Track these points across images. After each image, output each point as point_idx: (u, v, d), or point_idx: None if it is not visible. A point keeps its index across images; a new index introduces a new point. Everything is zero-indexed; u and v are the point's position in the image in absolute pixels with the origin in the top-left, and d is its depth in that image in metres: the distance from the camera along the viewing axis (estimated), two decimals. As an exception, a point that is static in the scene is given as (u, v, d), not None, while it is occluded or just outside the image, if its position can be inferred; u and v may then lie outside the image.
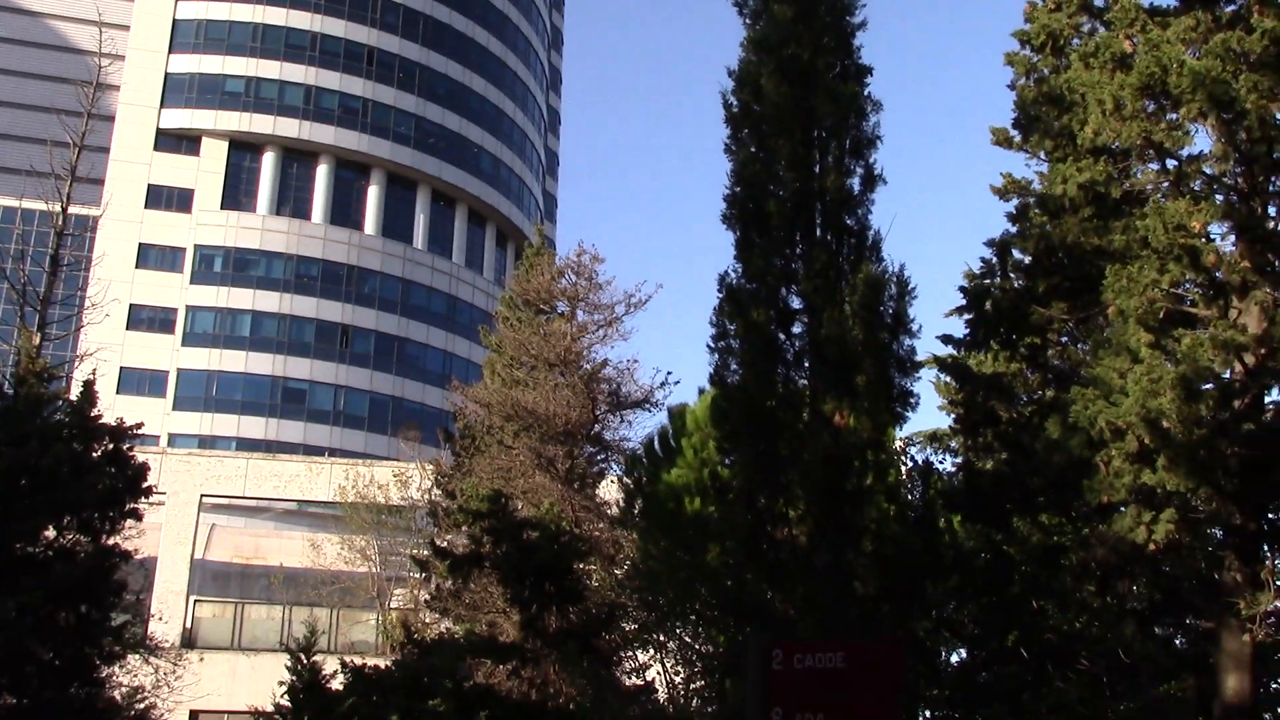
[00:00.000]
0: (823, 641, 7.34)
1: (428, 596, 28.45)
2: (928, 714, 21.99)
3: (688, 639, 22.20)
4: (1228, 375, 13.21)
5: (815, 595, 12.58)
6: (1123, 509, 13.32)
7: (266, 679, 29.51)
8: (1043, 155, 16.12)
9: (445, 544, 26.58)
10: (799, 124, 14.96)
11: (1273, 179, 13.68)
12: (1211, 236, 13.52)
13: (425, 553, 28.01)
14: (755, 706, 6.50)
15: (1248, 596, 13.27)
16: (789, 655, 6.61)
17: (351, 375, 69.13)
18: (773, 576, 13.05)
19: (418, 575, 30.59)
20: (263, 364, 67.38)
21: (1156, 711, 18.43)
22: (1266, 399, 13.58)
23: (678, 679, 23.39)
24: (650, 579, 22.15)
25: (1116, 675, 19.20)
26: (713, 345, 13.79)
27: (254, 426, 65.81)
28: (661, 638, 23.53)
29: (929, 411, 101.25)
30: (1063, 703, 18.74)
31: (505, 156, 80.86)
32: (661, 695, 24.33)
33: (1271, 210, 13.73)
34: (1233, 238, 13.52)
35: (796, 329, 13.76)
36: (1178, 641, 19.21)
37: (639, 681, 26.06)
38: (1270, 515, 13.84)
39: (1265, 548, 13.71)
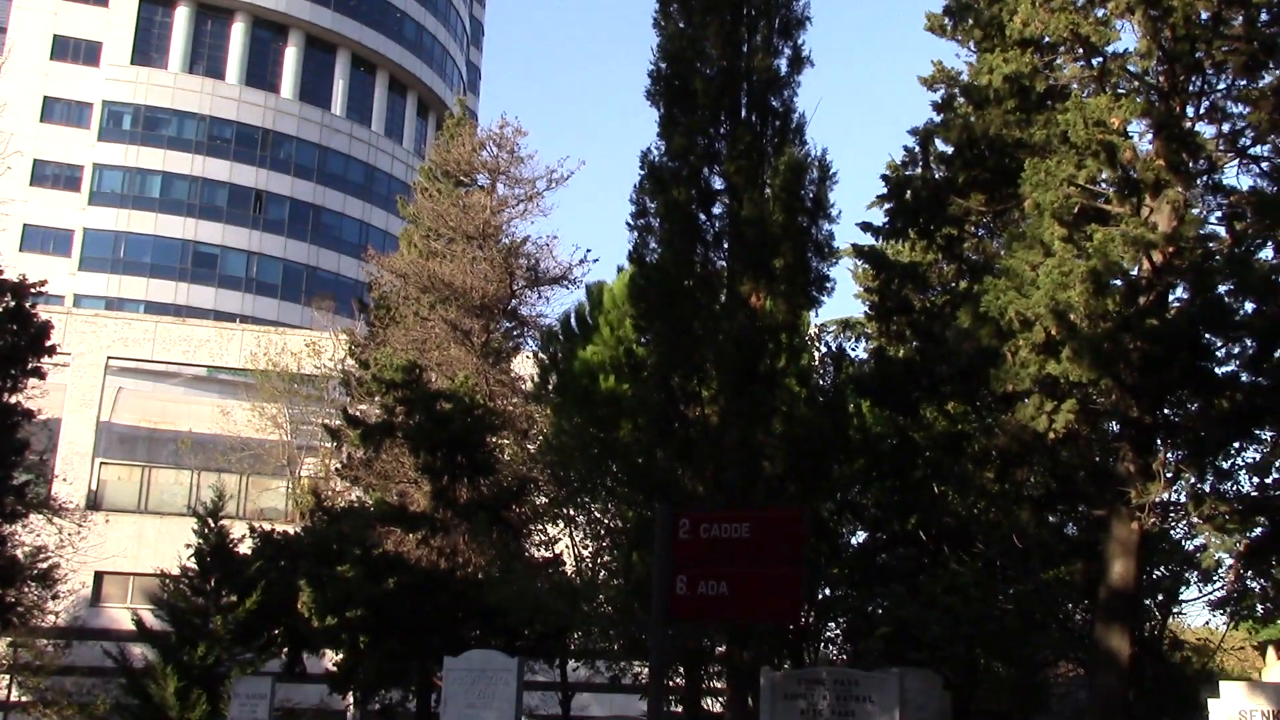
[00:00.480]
0: (729, 511, 7.44)
1: (339, 465, 28.33)
2: (827, 591, 22.65)
3: (597, 514, 22.42)
4: (1136, 272, 13.43)
5: (724, 473, 12.72)
6: (1026, 399, 13.59)
7: (173, 543, 29.38)
8: (972, 45, 15.98)
9: (358, 413, 26.40)
10: (728, 1, 14.73)
11: (1193, 79, 13.76)
12: (1130, 134, 13.61)
13: (337, 422, 27.83)
14: (661, 574, 6.56)
15: (1139, 486, 13.71)
16: (696, 525, 6.67)
17: (265, 242, 67.62)
18: (683, 454, 13.16)
19: (329, 444, 30.45)
20: (173, 226, 65.54)
21: (1046, 594, 19.17)
22: (1171, 297, 13.86)
23: (586, 552, 23.72)
24: (562, 454, 22.22)
25: (1010, 559, 19.88)
26: (632, 223, 13.67)
27: (163, 290, 64.31)
28: (571, 512, 23.76)
29: (845, 300, 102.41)
30: (957, 584, 19.39)
31: (429, 24, 78.50)
32: (570, 568, 24.68)
33: (1190, 110, 13.84)
34: (1150, 136, 13.62)
35: (717, 209, 13.67)
36: (1070, 528, 19.90)
37: (548, 554, 26.42)
38: (1165, 410, 14.23)
39: (1158, 441, 14.12)
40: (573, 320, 27.76)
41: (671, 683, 23.10)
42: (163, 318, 45.46)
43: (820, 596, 22.46)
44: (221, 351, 42.34)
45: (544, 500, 25.55)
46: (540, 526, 26.32)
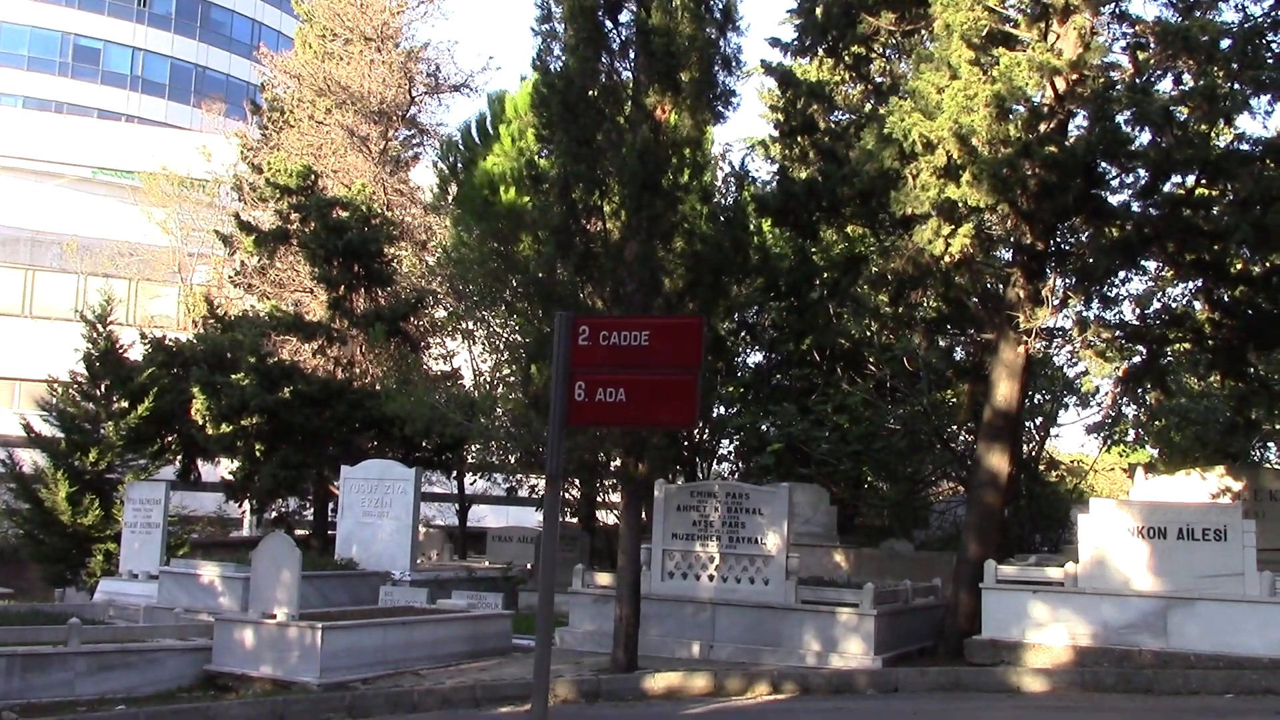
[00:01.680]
0: (629, 319, 7.45)
1: (231, 273, 27.75)
2: (722, 410, 23.31)
3: (496, 328, 22.47)
4: (1039, 99, 13.49)
5: (624, 288, 12.70)
6: (924, 223, 13.74)
7: (61, 348, 28.71)
8: None
9: (251, 219, 25.71)
10: None
11: (1110, -99, 13.59)
12: (1044, -44, 13.45)
13: (229, 228, 27.11)
14: (559, 381, 6.59)
15: (1027, 311, 14.09)
16: (595, 332, 6.69)
17: (151, 37, 64.19)
18: (584, 268, 13.07)
19: (221, 252, 29.69)
20: (51, 16, 61.74)
21: (933, 415, 19.92)
22: (1071, 125, 13.98)
23: (485, 366, 23.89)
24: (461, 267, 22.10)
25: (900, 380, 20.56)
26: (537, 28, 13.19)
27: (43, 85, 61.00)
28: (470, 326, 23.78)
29: (751, 121, 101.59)
30: (847, 404, 20.07)
31: None
32: (468, 381, 24.87)
33: (1104, -66, 13.70)
34: (1064, -41, 13.48)
35: (625, 17, 13.23)
36: (959, 352, 20.61)
37: (446, 368, 26.58)
38: (1057, 237, 14.53)
39: (1049, 268, 14.46)
40: (474, 129, 27.16)
41: (567, 494, 23.72)
42: (44, 113, 43.28)
43: (715, 415, 23.13)
44: (107, 152, 40.60)
45: (443, 314, 25.49)
46: (439, 340, 26.32)
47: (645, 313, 12.63)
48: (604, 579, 15.26)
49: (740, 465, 23.50)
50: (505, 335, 22.14)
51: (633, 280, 12.57)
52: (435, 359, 26.45)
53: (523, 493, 24.54)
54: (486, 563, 23.36)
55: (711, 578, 14.49)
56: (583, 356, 6.82)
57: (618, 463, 13.70)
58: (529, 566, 21.68)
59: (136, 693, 12.47)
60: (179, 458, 24.62)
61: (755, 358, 24.24)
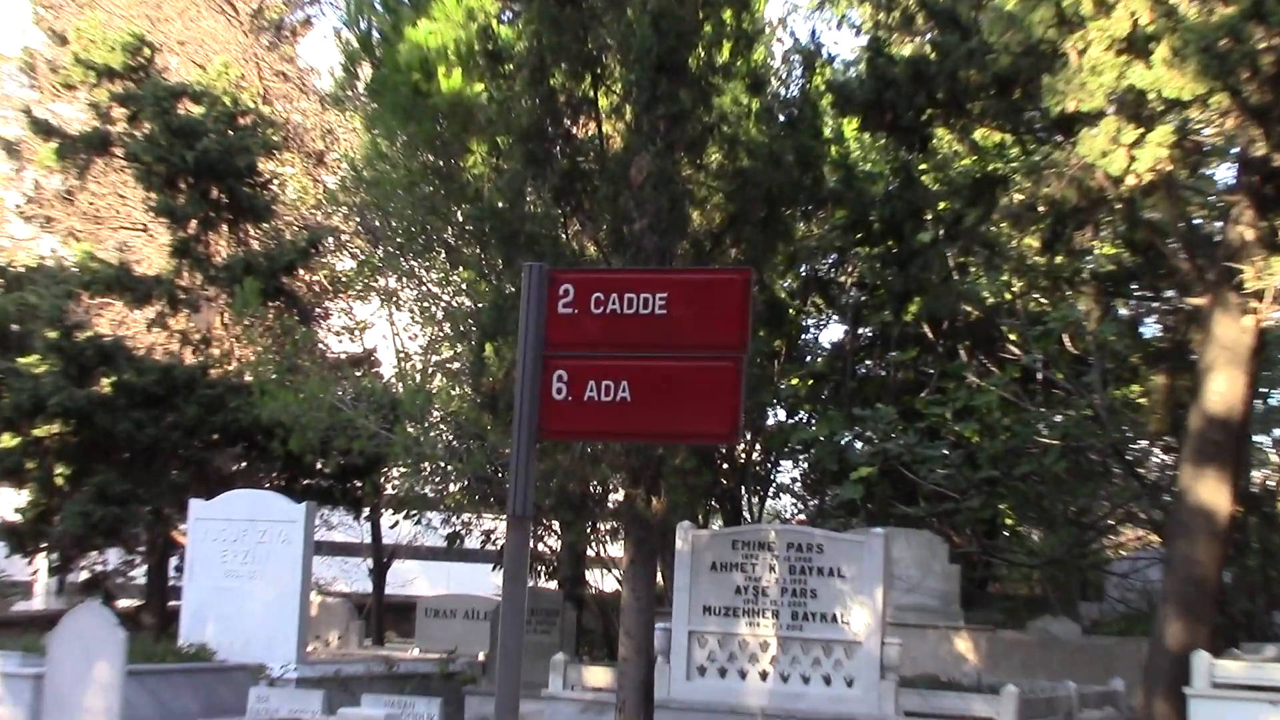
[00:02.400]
0: (637, 273, 7.55)
1: (22, 201, 27.79)
2: (781, 414, 23.43)
3: (432, 286, 22.51)
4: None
5: (630, 225, 12.78)
6: (1095, 126, 13.74)
7: None
8: None
9: (50, 117, 25.75)
10: None
11: None
12: None
13: (17, 130, 27.15)
14: (529, 370, 6.68)
15: (1258, 263, 13.99)
16: (584, 293, 6.76)
17: None
18: (567, 193, 13.16)
19: (3, 167, 29.68)
20: None
21: (1109, 421, 19.94)
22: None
23: (415, 345, 23.97)
24: (379, 192, 22.06)
25: (1060, 370, 20.61)
26: None
27: None
28: (394, 283, 23.84)
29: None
30: (975, 406, 20.16)
31: None
32: (388, 369, 24.94)
33: None
34: None
35: None
36: (1149, 325, 20.65)
37: (355, 347, 26.68)
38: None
39: (1291, 195, 14.44)
40: (398, -20, 27.16)
41: (542, 545, 23.81)
42: None
43: (771, 420, 23.21)
44: None
45: (349, 264, 25.57)
46: (343, 305, 26.42)
47: (663, 263, 12.71)
48: (598, 676, 15.34)
49: (810, 501, 23.61)
50: (446, 298, 22.19)
51: (643, 213, 12.65)
52: (338, 334, 26.55)
53: (472, 543, 24.54)
54: (415, 650, 23.40)
55: (765, 675, 14.58)
56: (565, 331, 6.90)
57: (619, 496, 13.81)
58: (481, 657, 21.76)
59: None
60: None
61: (833, 333, 24.34)
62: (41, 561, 26.16)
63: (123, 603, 26.17)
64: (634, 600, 13.32)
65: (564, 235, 13.43)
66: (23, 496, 23.84)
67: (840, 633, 14.42)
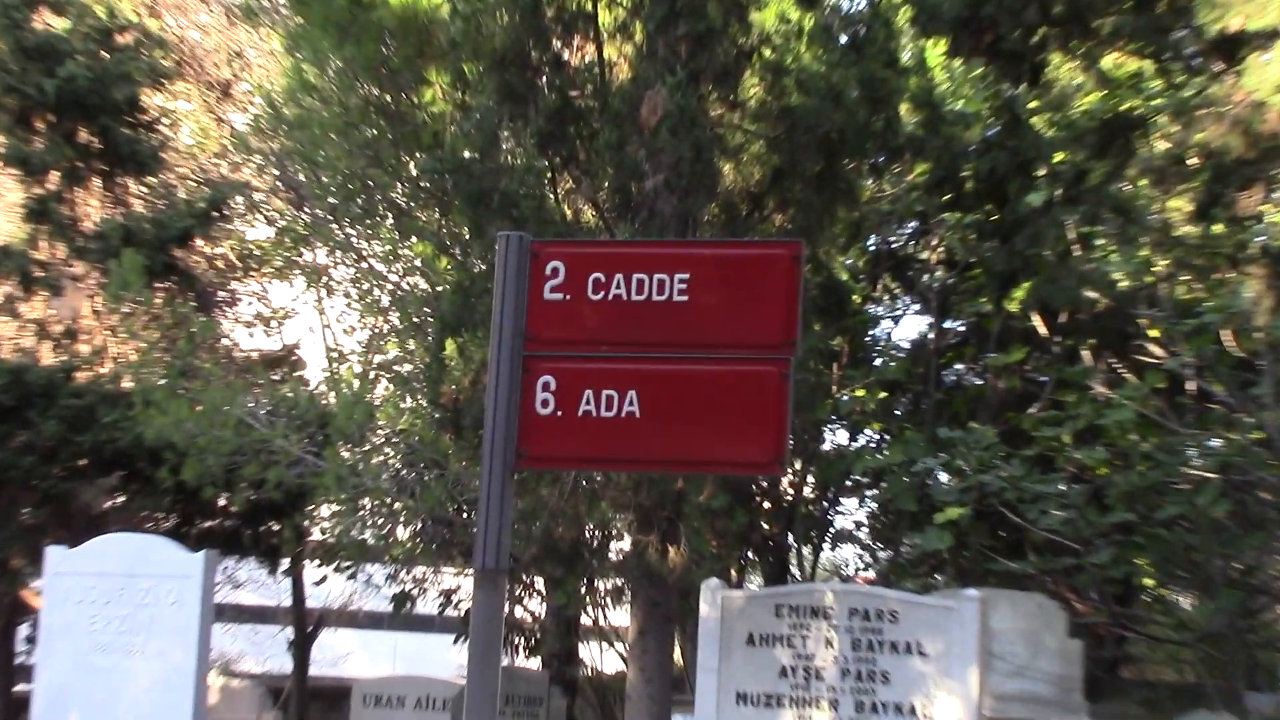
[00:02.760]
0: (646, 247, 7.60)
1: None
2: (842, 437, 23.45)
3: (377, 264, 22.54)
4: None
5: (640, 181, 12.83)
6: (1266, 52, 13.78)
7: None
8: None
9: None
10: None
11: None
12: None
13: None
14: (503, 374, 6.72)
15: None
16: (580, 272, 6.80)
17: None
18: (555, 139, 13.21)
19: None
20: None
21: (1272, 447, 19.93)
22: None
23: (352, 340, 24.03)
24: (306, 137, 22.17)
25: (1215, 379, 20.57)
26: None
27: None
28: (325, 258, 23.86)
29: None
30: (1102, 427, 20.13)
31: None
32: (316, 372, 25.01)
33: None
34: None
35: None
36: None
37: (271, 344, 26.73)
38: None
39: None
40: None
41: (521, 608, 23.85)
42: None
43: (828, 444, 23.22)
44: None
45: (265, 232, 25.62)
46: (257, 286, 26.45)
47: (684, 233, 12.74)
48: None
49: (880, 552, 23.62)
50: (394, 278, 22.25)
51: (657, 166, 12.71)
52: (249, 326, 26.57)
53: (427, 606, 24.62)
54: (351, 750, 23.49)
55: (820, 788, 14.64)
56: (552, 323, 6.99)
57: (624, 545, 13.85)
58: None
59: None
60: None
61: (912, 328, 24.36)
62: None
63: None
64: (643, 684, 13.36)
65: (552, 195, 13.46)
66: None
67: (922, 730, 14.45)
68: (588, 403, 6.87)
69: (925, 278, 23.37)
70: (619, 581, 18.15)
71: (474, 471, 14.02)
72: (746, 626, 14.94)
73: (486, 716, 6.92)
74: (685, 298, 6.80)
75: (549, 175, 13.22)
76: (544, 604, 23.26)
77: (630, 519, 13.26)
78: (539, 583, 22.35)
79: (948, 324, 23.55)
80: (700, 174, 12.77)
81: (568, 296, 6.92)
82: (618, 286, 6.87)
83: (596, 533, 14.46)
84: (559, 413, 6.89)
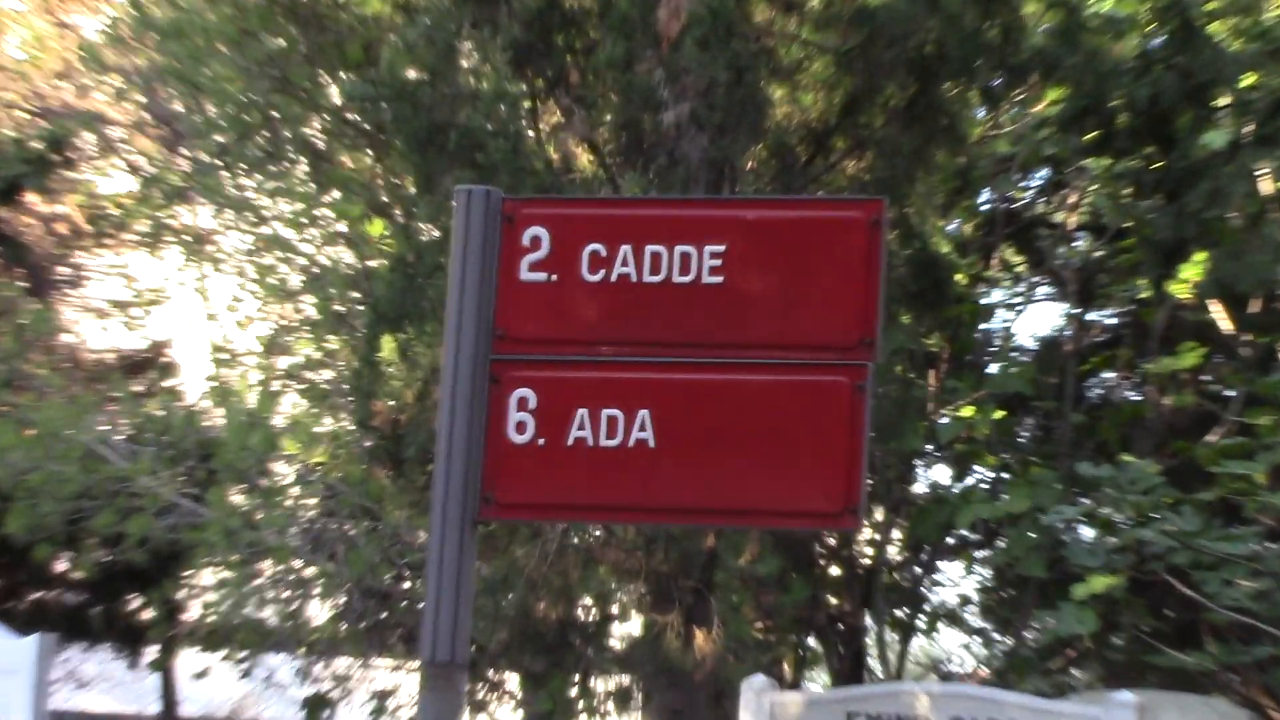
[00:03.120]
0: (666, 206, 7.61)
1: None
2: (941, 473, 23.46)
3: (283, 229, 22.51)
4: None
5: (658, 111, 12.91)
6: None
7: None
8: None
9: None
10: None
11: None
12: None
13: None
14: (462, 390, 6.75)
15: None
16: (570, 241, 6.83)
17: None
18: (538, 55, 13.30)
19: None
20: None
21: None
22: None
23: (250, 331, 23.90)
24: (183, 49, 22.17)
25: None
26: None
27: None
28: (211, 215, 23.83)
29: None
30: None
31: None
32: (198, 383, 25.01)
33: None
34: None
35: None
36: None
37: (138, 342, 26.74)
38: None
39: None
40: None
41: (487, 717, 23.92)
42: None
43: (923, 484, 23.19)
44: None
45: (125, 185, 25.66)
46: (114, 259, 26.52)
47: (718, 186, 12.83)
48: None
49: (996, 638, 23.66)
50: (309, 249, 22.26)
51: (681, 92, 12.79)
52: (101, 316, 26.63)
53: (350, 715, 24.62)
54: None
55: None
56: (531, 313, 6.97)
57: (632, 627, 13.92)
58: None
59: None
60: None
61: (1042, 320, 24.31)
62: None
63: None
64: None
65: (532, 133, 13.54)
66: None
67: None
68: (581, 427, 6.80)
69: (1060, 250, 23.36)
70: (625, 680, 18.14)
71: (420, 524, 14.08)
72: (807, 742, 14.99)
73: None
74: (719, 279, 6.73)
75: (528, 105, 13.28)
76: (520, 711, 23.36)
77: (641, 591, 13.27)
78: (513, 682, 22.44)
79: (1092, 315, 23.58)
80: (741, 103, 12.82)
81: (554, 277, 6.86)
82: (624, 263, 6.80)
83: (593, 610, 14.50)
84: (541, 440, 6.83)
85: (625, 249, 6.80)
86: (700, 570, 13.02)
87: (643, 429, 6.77)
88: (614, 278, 6.80)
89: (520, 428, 6.86)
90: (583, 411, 6.82)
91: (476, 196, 6.87)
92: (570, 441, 6.83)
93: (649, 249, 6.77)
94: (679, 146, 12.77)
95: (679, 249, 6.76)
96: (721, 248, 6.75)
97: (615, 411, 6.80)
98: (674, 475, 6.81)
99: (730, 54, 12.60)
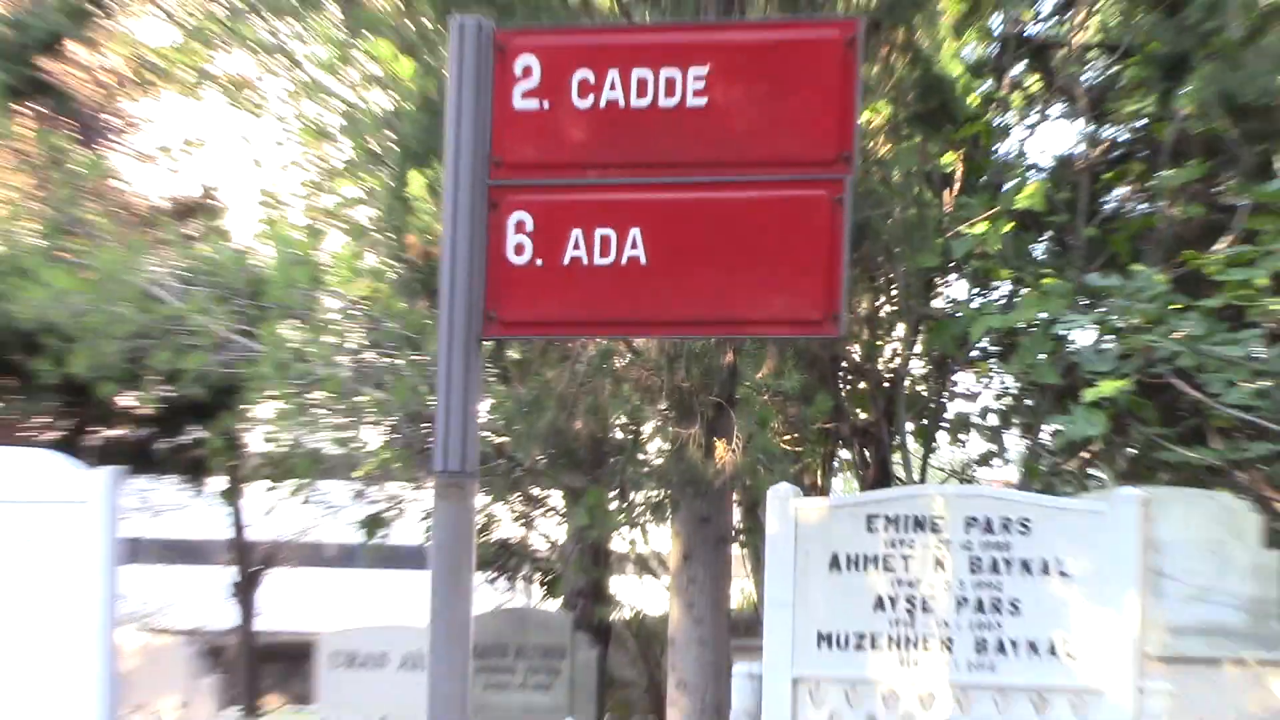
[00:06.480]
0: (651, 33, 7.73)
1: None
2: (962, 287, 23.44)
3: (320, 74, 22.38)
4: None
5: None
6: None
7: None
8: None
9: None
10: None
11: None
12: None
13: None
14: (462, 216, 6.82)
15: None
16: (561, 70, 6.93)
17: None
18: None
19: None
20: None
21: None
22: None
23: (292, 177, 23.89)
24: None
25: None
26: None
27: None
28: (250, 67, 23.76)
29: None
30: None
31: None
32: (246, 224, 25.04)
33: None
34: None
35: None
36: None
37: (190, 187, 26.81)
38: None
39: None
40: None
41: (533, 532, 23.98)
42: None
43: (942, 299, 23.16)
44: None
45: (166, 34, 25.61)
46: (157, 105, 26.52)
47: (728, 16, 12.85)
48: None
49: (1019, 441, 23.73)
50: (344, 94, 22.19)
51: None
52: (148, 162, 26.61)
53: (403, 534, 24.62)
54: (316, 720, 23.76)
55: (931, 752, 14.79)
56: (525, 140, 7.08)
57: (657, 443, 13.97)
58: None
59: None
60: None
61: (1058, 139, 24.26)
62: None
63: None
64: (690, 625, 13.52)
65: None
66: None
67: (1063, 674, 14.56)
68: (576, 246, 6.93)
69: (1073, 69, 23.25)
70: (656, 491, 18.22)
71: (432, 341, 14.14)
72: (829, 546, 15.02)
73: (455, 667, 7.04)
74: (703, 100, 6.83)
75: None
76: (562, 526, 23.45)
77: (665, 408, 13.33)
78: (555, 498, 22.54)
79: (1106, 132, 23.50)
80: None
81: (546, 104, 6.96)
82: (612, 88, 6.89)
83: (628, 429, 14.54)
84: (538, 261, 6.97)
85: (613, 74, 6.89)
86: (721, 386, 13.04)
87: (634, 247, 6.88)
88: (603, 103, 6.90)
89: (519, 249, 6.98)
90: (577, 232, 6.93)
91: (469, 28, 6.94)
92: (567, 261, 6.98)
93: (635, 74, 6.86)
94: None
95: (664, 73, 6.85)
96: (704, 70, 6.84)
97: (608, 231, 6.91)
98: (666, 289, 6.94)
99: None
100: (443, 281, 7.00)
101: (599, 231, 6.91)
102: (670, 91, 6.81)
